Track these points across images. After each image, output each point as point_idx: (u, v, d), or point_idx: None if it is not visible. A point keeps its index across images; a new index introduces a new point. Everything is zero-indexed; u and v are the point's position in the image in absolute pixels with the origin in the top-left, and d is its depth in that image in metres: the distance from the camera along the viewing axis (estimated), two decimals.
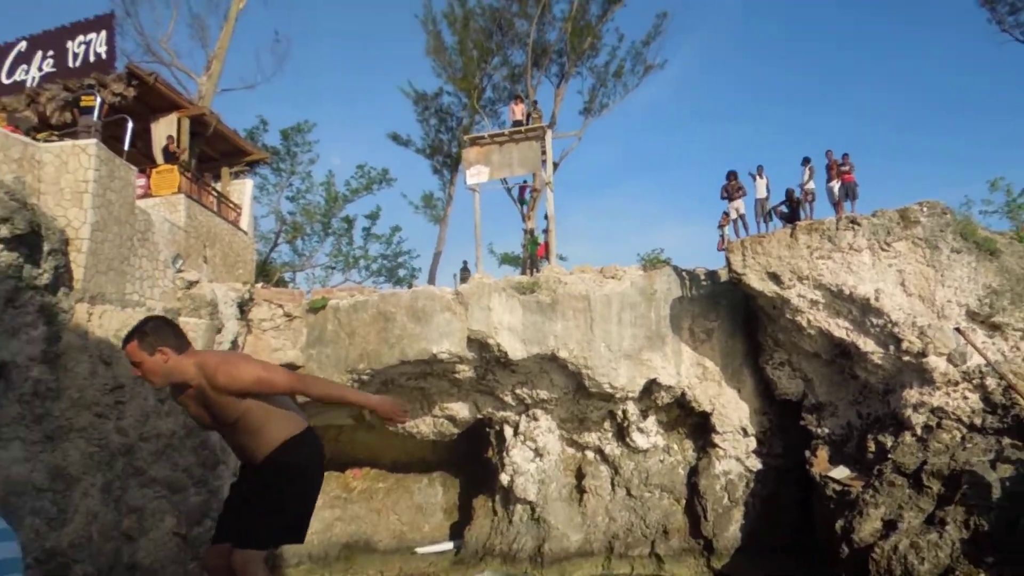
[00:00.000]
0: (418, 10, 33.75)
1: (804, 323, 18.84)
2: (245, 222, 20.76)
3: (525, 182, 25.55)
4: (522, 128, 24.09)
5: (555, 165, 26.30)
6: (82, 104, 14.70)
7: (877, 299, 17.68)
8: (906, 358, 17.64)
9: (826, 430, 20.06)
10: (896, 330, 17.56)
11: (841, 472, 19.04)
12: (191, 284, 16.41)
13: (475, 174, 24.00)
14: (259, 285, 21.50)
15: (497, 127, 25.16)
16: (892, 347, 17.82)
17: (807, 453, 20.10)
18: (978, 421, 17.10)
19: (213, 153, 20.71)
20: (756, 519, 20.77)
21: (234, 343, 18.00)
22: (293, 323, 20.77)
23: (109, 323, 13.48)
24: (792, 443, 21.05)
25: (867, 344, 18.25)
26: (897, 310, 17.59)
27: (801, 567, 18.90)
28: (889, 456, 17.76)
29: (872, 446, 18.58)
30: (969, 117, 74.01)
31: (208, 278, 17.57)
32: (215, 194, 19.53)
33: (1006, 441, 16.39)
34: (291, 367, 20.61)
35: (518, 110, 25.18)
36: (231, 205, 20.13)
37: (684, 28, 76.21)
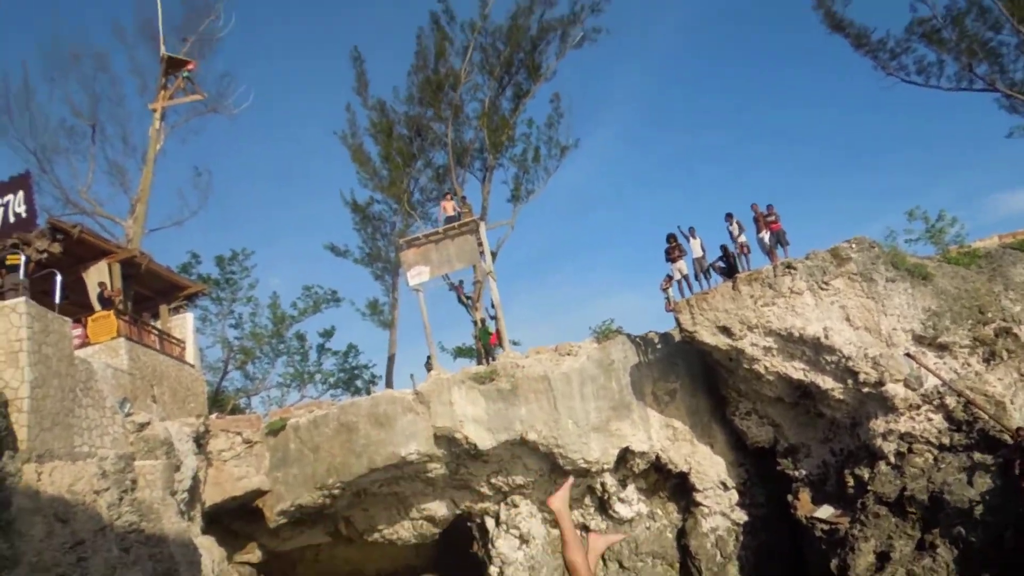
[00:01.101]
0: (338, 126, 34.43)
1: (762, 370, 19.07)
2: (191, 355, 20.48)
3: (459, 283, 25.91)
4: (455, 224, 24.48)
5: (493, 254, 26.64)
6: (8, 263, 14.54)
7: (827, 337, 18.03)
8: (865, 389, 17.90)
9: (803, 471, 20.08)
10: (850, 364, 17.86)
11: (826, 511, 19.00)
12: (142, 426, 16.00)
13: (416, 274, 24.15)
14: (213, 416, 21.06)
15: (430, 227, 25.60)
16: (850, 381, 18.08)
17: (789, 497, 20.06)
18: (947, 440, 17.34)
19: (148, 292, 20.56)
20: (752, 571, 20.51)
21: (195, 478, 17.48)
22: (254, 448, 20.32)
23: (61, 479, 13.01)
24: (773, 490, 21.02)
25: (826, 381, 18.50)
26: (848, 344, 17.94)
27: None
28: (869, 488, 17.82)
29: (851, 480, 18.64)
30: (876, 152, 77.50)
31: (159, 417, 17.15)
32: (156, 332, 19.30)
33: (977, 456, 16.62)
34: (257, 493, 20.10)
35: (448, 207, 25.63)
36: (174, 341, 19.89)
37: (599, 108, 78.97)
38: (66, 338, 14.27)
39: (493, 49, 30.48)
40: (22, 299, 13.37)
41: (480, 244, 24.50)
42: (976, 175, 76.07)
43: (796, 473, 20.20)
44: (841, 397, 18.52)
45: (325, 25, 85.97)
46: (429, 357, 23.73)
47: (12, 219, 16.11)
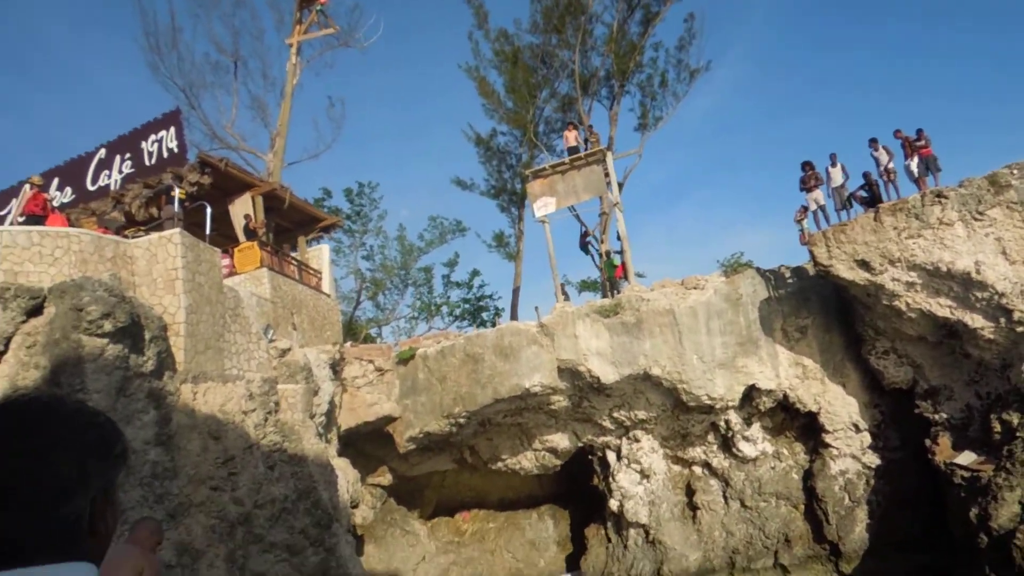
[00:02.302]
0: (462, 58, 34.27)
1: (903, 307, 18.06)
2: (327, 286, 21.32)
3: (585, 230, 25.47)
4: (582, 155, 24.14)
5: (620, 185, 26.16)
6: (176, 196, 15.57)
7: (978, 271, 16.81)
8: (1020, 329, 16.65)
9: (944, 415, 19.07)
10: (1004, 301, 16.62)
11: (967, 457, 18.04)
12: (284, 352, 16.89)
13: (542, 206, 24.12)
14: (348, 344, 21.98)
15: (555, 158, 25.24)
16: (1003, 319, 16.86)
17: (927, 442, 19.13)
18: None
19: (288, 224, 21.44)
20: (882, 517, 19.84)
21: (331, 403, 18.39)
22: (385, 376, 21.12)
23: (214, 399, 13.97)
24: (909, 433, 20.10)
25: (975, 320, 17.33)
26: (1002, 280, 16.68)
27: (937, 562, 17.94)
28: (1018, 435, 16.73)
29: (998, 426, 17.56)
30: None
31: (299, 344, 18.06)
32: (295, 263, 20.16)
33: None
34: (388, 419, 20.97)
35: (571, 137, 25.26)
36: (311, 271, 20.73)
37: (729, 29, 75.23)
38: (216, 267, 15.15)
39: None
40: (177, 230, 14.25)
41: (607, 175, 24.12)
42: None
43: (936, 416, 19.20)
44: (992, 336, 17.33)
45: None
46: (562, 285, 23.73)
47: (165, 154, 17.11)
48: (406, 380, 21.36)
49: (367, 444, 21.79)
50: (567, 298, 23.59)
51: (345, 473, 17.73)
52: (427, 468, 23.44)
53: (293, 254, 21.05)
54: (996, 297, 16.73)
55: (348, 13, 31.09)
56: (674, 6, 29.80)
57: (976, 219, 17.08)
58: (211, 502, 13.13)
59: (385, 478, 22.85)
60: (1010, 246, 16.79)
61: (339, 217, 26.64)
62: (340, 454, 18.72)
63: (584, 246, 26.17)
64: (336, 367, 19.23)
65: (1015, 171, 17.16)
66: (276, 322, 17.52)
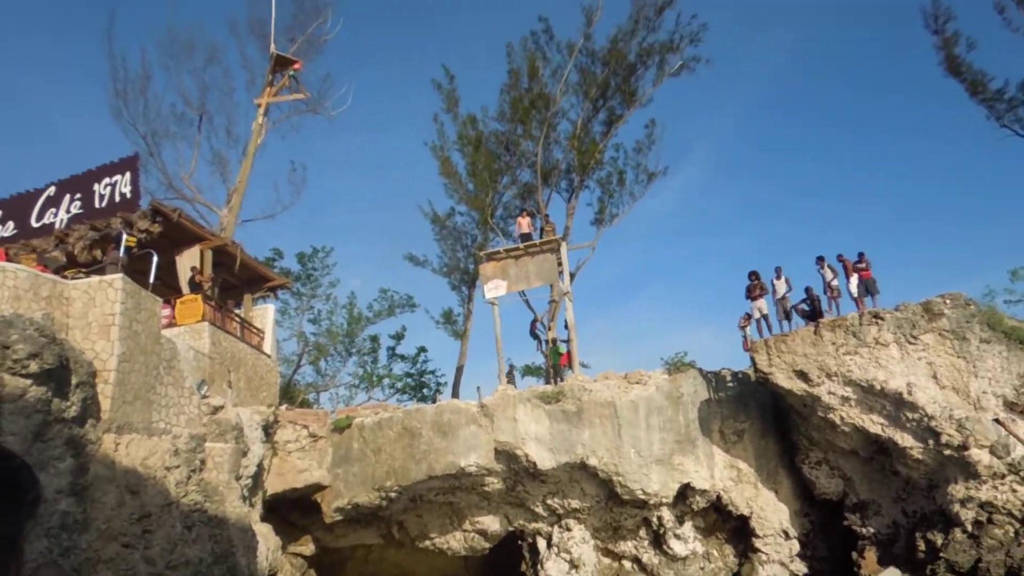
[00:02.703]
0: (428, 134, 34.87)
1: (837, 420, 18.46)
2: (268, 346, 21.02)
3: (536, 317, 25.68)
4: (537, 242, 24.56)
5: (572, 275, 26.59)
6: (126, 243, 15.36)
7: (910, 393, 17.35)
8: (947, 452, 17.13)
9: (871, 529, 19.31)
10: (933, 423, 17.12)
11: (892, 574, 18.21)
12: (216, 409, 16.49)
13: (493, 288, 24.32)
14: (283, 407, 21.53)
15: (510, 243, 25.62)
16: (931, 441, 17.33)
17: (854, 555, 19.31)
18: None
19: (235, 281, 21.22)
20: None
21: (260, 465, 17.89)
22: (318, 443, 20.68)
23: (136, 452, 13.51)
24: (837, 545, 20.27)
25: (905, 439, 17.78)
26: (932, 403, 17.22)
27: None
28: (941, 555, 17.03)
29: (922, 545, 17.83)
30: (977, 208, 74.39)
31: (233, 402, 17.66)
32: (238, 320, 19.88)
33: None
34: (317, 488, 20.43)
35: (524, 223, 25.79)
36: (254, 330, 20.45)
37: (687, 141, 78.37)
38: (155, 316, 14.85)
39: (590, 71, 30.54)
40: (119, 275, 14.00)
41: (560, 264, 24.51)
42: None
43: (864, 530, 19.44)
44: (920, 457, 17.76)
45: (425, 32, 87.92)
46: (511, 367, 23.70)
47: (117, 198, 16.94)
48: (340, 449, 20.94)
49: (292, 511, 21.16)
50: (511, 381, 23.55)
51: (266, 539, 17.15)
52: (352, 541, 22.78)
53: (237, 311, 20.76)
54: (926, 419, 17.22)
55: (320, 81, 31.51)
56: (638, 110, 31.04)
57: (910, 342, 17.72)
58: (121, 559, 12.56)
59: (308, 548, 22.12)
60: (941, 371, 17.42)
61: (288, 279, 26.49)
62: (263, 519, 18.13)
63: (533, 333, 26.26)
64: (269, 429, 18.80)
65: (948, 301, 17.95)
66: (212, 378, 17.14)
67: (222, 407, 16.67)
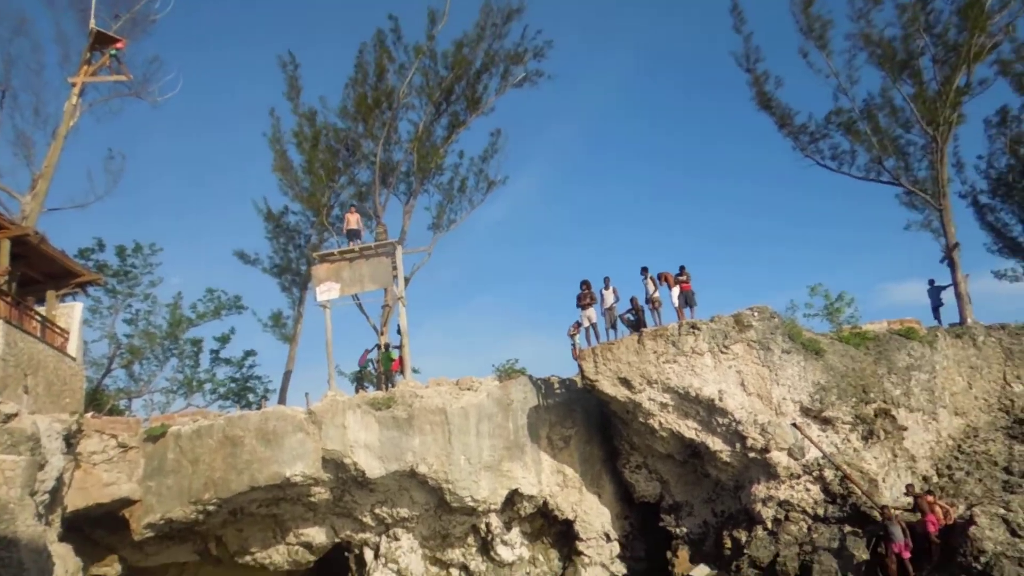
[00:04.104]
0: (266, 127, 33.35)
1: (656, 425, 19.42)
2: (73, 347, 19.27)
3: (366, 350, 25.24)
4: (372, 244, 24.19)
5: (406, 280, 26.40)
6: None
7: (721, 399, 18.56)
8: (751, 454, 18.47)
9: (685, 529, 20.47)
10: (740, 428, 18.41)
11: (702, 571, 19.36)
12: (8, 417, 14.90)
13: (325, 291, 23.71)
14: (89, 415, 19.82)
15: (345, 243, 25.07)
16: (738, 444, 18.62)
17: (669, 554, 20.37)
18: (821, 511, 18.03)
19: (37, 275, 19.30)
20: None
21: (59, 480, 16.35)
22: (129, 454, 19.25)
23: None
24: (654, 545, 21.32)
25: (715, 443, 18.99)
26: (740, 409, 18.51)
27: None
28: (745, 551, 18.29)
29: (728, 542, 19.10)
30: (785, 227, 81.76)
31: (29, 410, 16.01)
32: (39, 319, 18.10)
33: (847, 529, 17.33)
34: (126, 502, 19.01)
35: (353, 219, 25.37)
36: (57, 330, 18.69)
37: (527, 153, 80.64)
38: None
39: (434, 74, 30.45)
40: None
41: (395, 268, 24.25)
42: (876, 261, 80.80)
43: (678, 530, 20.57)
44: (728, 460, 19.03)
45: (264, 20, 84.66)
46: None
47: None
48: (152, 460, 19.59)
49: (96, 528, 19.55)
50: (332, 391, 22.95)
51: (64, 561, 15.67)
52: (164, 559, 21.32)
53: (39, 308, 18.90)
54: (734, 424, 18.50)
55: (146, 63, 29.32)
56: (480, 118, 31.33)
57: (723, 352, 18.95)
58: None
59: (113, 568, 20.49)
60: (748, 379, 18.75)
61: (99, 275, 24.38)
62: (62, 539, 16.54)
63: (363, 365, 25.35)
64: (71, 439, 17.24)
65: (756, 313, 19.39)
66: (4, 383, 15.48)
67: (15, 415, 15.08)
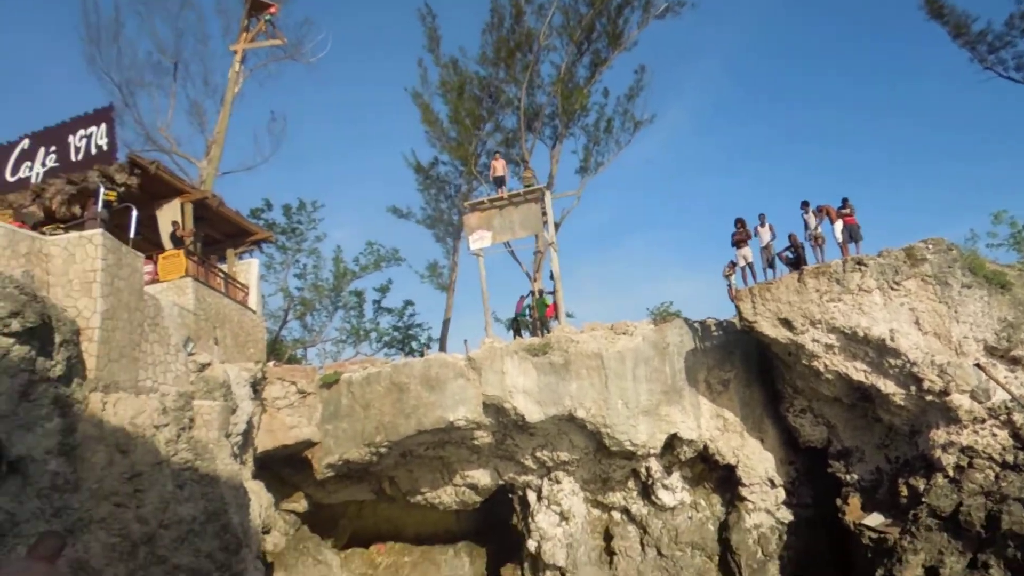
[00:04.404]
0: (411, 82, 34.19)
1: (821, 368, 18.60)
2: (253, 301, 20.80)
3: (521, 297, 25.43)
4: (521, 191, 24.36)
5: (556, 225, 26.45)
6: (105, 198, 14.99)
7: (892, 339, 17.47)
8: (929, 397, 17.32)
9: (855, 476, 19.61)
10: (915, 370, 17.29)
11: (875, 519, 18.55)
12: (203, 367, 16.37)
13: (478, 239, 24.19)
14: (271, 363, 21.42)
15: (494, 192, 25.37)
16: (913, 387, 17.51)
17: (838, 501, 19.63)
18: (1010, 458, 16.66)
19: (217, 235, 20.91)
20: (793, 571, 20.20)
21: (249, 423, 17.84)
22: (307, 399, 20.67)
23: (124, 411, 13.39)
24: (822, 491, 20.59)
25: (887, 385, 17.96)
26: (914, 349, 17.35)
27: None
28: (923, 500, 17.31)
29: (904, 490, 18.13)
30: (961, 150, 74.68)
31: (220, 359, 17.51)
32: (222, 275, 19.62)
33: None
34: (307, 444, 20.45)
35: (499, 166, 25.53)
36: (238, 285, 20.21)
37: (674, 85, 77.75)
38: (138, 272, 14.63)
39: (574, 12, 29.89)
40: (99, 231, 13.73)
41: (544, 214, 24.36)
42: None
43: (848, 477, 19.74)
44: (902, 403, 17.97)
45: None
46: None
47: (93, 151, 16.47)
48: (328, 405, 20.95)
49: (283, 468, 21.23)
50: (490, 337, 23.46)
51: (258, 497, 17.18)
52: (344, 497, 22.93)
53: (221, 266, 20.50)
54: (908, 365, 17.37)
55: (297, 26, 30.72)
56: (623, 54, 30.59)
57: (893, 288, 17.77)
58: (113, 519, 12.48)
59: (300, 504, 22.26)
60: (923, 317, 17.50)
61: (272, 232, 26.11)
62: (254, 477, 18.14)
63: (519, 314, 25.63)
64: (257, 386, 18.72)
65: (930, 246, 17.98)
66: (197, 335, 16.98)
67: (209, 364, 16.54)
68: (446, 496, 22.49)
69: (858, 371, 18.37)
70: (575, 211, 31.38)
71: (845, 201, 19.57)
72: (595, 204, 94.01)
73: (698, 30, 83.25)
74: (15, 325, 11.21)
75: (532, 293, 25.82)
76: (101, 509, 12.39)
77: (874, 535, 18.16)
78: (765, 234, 20.38)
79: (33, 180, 16.98)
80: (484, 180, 30.90)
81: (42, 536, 7.28)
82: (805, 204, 19.89)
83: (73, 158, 16.74)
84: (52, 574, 6.68)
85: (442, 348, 32.29)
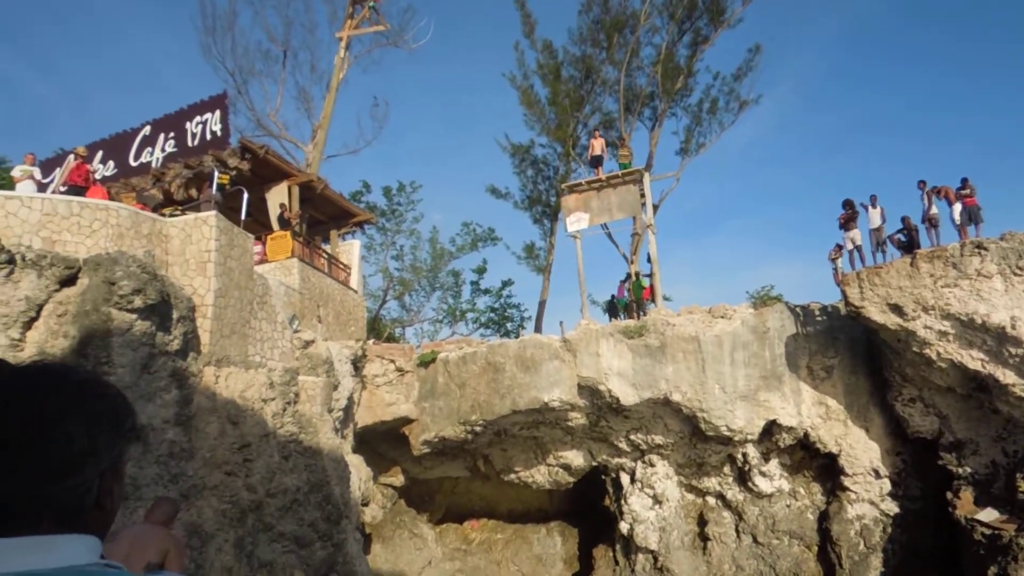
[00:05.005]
0: (507, 66, 34.35)
1: (934, 356, 17.73)
2: (355, 281, 21.41)
3: (621, 281, 25.02)
4: (619, 173, 24.11)
5: (655, 207, 26.05)
6: (218, 181, 15.82)
7: (1014, 327, 16.45)
8: None
9: (968, 470, 18.67)
10: None
11: (989, 515, 17.65)
12: (307, 344, 16.97)
13: (575, 221, 24.10)
14: (371, 342, 22.01)
15: (593, 174, 25.18)
16: None
17: (949, 495, 18.76)
18: None
19: (322, 217, 21.61)
20: (897, 567, 19.45)
21: (350, 399, 18.43)
22: (405, 377, 21.16)
23: (235, 384, 14.05)
24: (930, 484, 19.71)
25: (1007, 376, 16.95)
26: None
27: None
28: None
29: (1023, 486, 17.17)
30: None
31: (323, 337, 18.13)
32: (325, 256, 20.28)
33: None
34: (405, 421, 20.97)
35: (597, 145, 25.24)
36: (341, 266, 20.84)
37: (779, 62, 75.09)
38: (248, 253, 15.28)
39: None
40: (213, 212, 14.41)
41: (642, 195, 24.05)
42: None
43: (960, 470, 18.81)
44: (1022, 394, 16.97)
45: None
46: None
47: (208, 137, 17.33)
48: (425, 383, 21.38)
49: (382, 443, 21.83)
50: (586, 319, 23.43)
51: (358, 470, 17.74)
52: (440, 473, 23.42)
53: (324, 246, 21.18)
54: None
55: (400, 13, 31.32)
56: (725, 32, 29.73)
57: (1016, 274, 16.72)
58: (224, 487, 13.16)
59: (397, 479, 22.87)
60: None
61: (372, 214, 26.78)
62: (354, 451, 18.74)
63: (615, 301, 25.36)
64: (357, 364, 19.29)
65: None
66: (302, 313, 17.62)
67: (313, 341, 17.14)
68: (539, 476, 22.66)
69: (975, 360, 17.41)
70: (674, 193, 30.89)
71: (965, 181, 18.52)
72: (695, 186, 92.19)
73: (803, 7, 79.92)
74: (138, 302, 11.90)
75: (629, 275, 25.59)
76: (213, 477, 13.07)
77: (987, 531, 17.29)
78: (875, 216, 19.53)
79: (153, 164, 17.97)
80: (582, 162, 30.76)
81: (158, 501, 7.71)
82: (922, 183, 18.94)
83: (190, 143, 17.63)
84: (168, 537, 7.07)
85: (537, 329, 32.47)
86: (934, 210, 18.59)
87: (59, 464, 1.29)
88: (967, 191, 18.36)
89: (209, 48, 29.56)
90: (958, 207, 18.27)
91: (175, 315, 12.75)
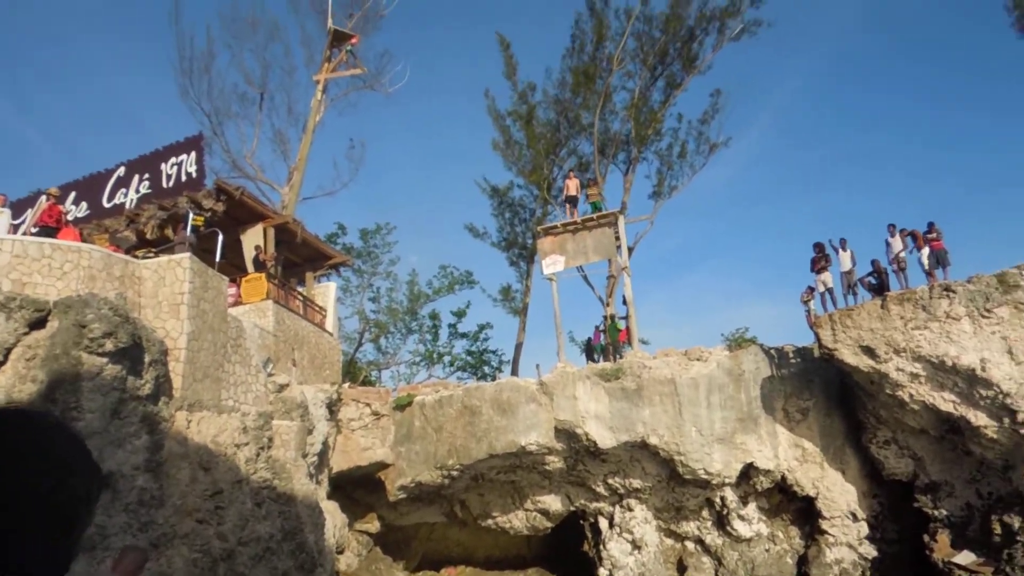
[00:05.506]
0: (484, 106, 34.82)
1: (906, 398, 17.89)
2: (330, 323, 21.32)
3: (597, 328, 25.24)
4: (594, 216, 24.37)
5: (630, 250, 26.28)
6: (193, 223, 15.77)
7: (984, 369, 16.67)
8: None
9: (944, 512, 18.72)
10: (1009, 401, 16.42)
11: (966, 557, 17.67)
12: (282, 387, 16.78)
13: (551, 263, 24.24)
14: (346, 385, 21.82)
15: (568, 213, 25.44)
16: (1007, 419, 16.64)
17: (926, 537, 18.77)
18: None
19: (297, 259, 21.56)
20: None
21: (325, 443, 18.18)
22: (381, 421, 20.96)
23: (207, 429, 13.82)
24: (907, 527, 19.72)
25: (978, 417, 17.11)
26: (1007, 380, 16.50)
27: None
28: (1019, 538, 16.44)
29: (998, 528, 17.22)
30: None
31: (297, 380, 17.95)
32: (301, 298, 20.20)
33: None
34: (381, 466, 20.71)
35: (572, 185, 25.63)
36: (316, 308, 20.75)
37: (758, 100, 76.66)
38: (222, 295, 15.16)
39: (648, 37, 29.99)
40: (187, 254, 14.30)
41: (617, 238, 24.28)
42: None
43: (935, 512, 18.86)
44: (995, 436, 17.08)
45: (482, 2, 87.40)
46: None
47: (183, 178, 17.32)
48: (402, 427, 21.19)
49: (357, 489, 21.51)
50: (562, 362, 23.43)
51: (333, 517, 17.45)
52: (416, 519, 23.09)
53: (300, 289, 21.08)
54: (1000, 396, 16.53)
55: (377, 57, 31.78)
56: (697, 77, 30.45)
57: (984, 316, 17.00)
58: (195, 535, 12.85)
59: (373, 525, 22.50)
60: (1016, 346, 16.65)
61: (349, 256, 26.80)
62: (329, 497, 18.45)
63: (592, 347, 25.42)
64: (333, 407, 19.09)
65: None
66: (276, 356, 17.46)
67: (287, 385, 16.95)
68: (517, 521, 22.41)
69: (946, 402, 17.58)
70: (648, 236, 31.21)
71: (931, 226, 18.90)
72: (669, 229, 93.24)
73: (777, 50, 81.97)
74: (109, 345, 11.73)
75: (605, 318, 25.66)
76: (184, 525, 12.76)
77: (964, 574, 17.29)
78: (846, 259, 19.84)
79: (128, 206, 17.88)
80: (558, 204, 31.08)
81: (125, 550, 7.53)
82: (892, 226, 19.30)
83: (164, 185, 17.59)
84: None
85: (514, 372, 32.40)
86: (901, 251, 18.90)
87: None
88: (934, 235, 18.71)
89: (186, 89, 29.68)
90: (926, 251, 18.61)
91: (147, 358, 12.57)
